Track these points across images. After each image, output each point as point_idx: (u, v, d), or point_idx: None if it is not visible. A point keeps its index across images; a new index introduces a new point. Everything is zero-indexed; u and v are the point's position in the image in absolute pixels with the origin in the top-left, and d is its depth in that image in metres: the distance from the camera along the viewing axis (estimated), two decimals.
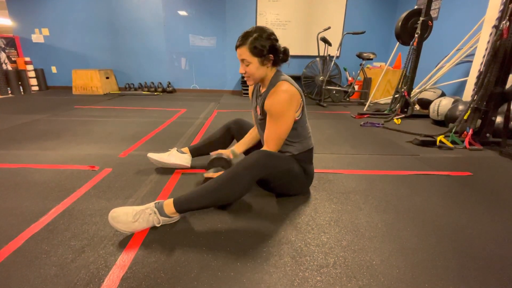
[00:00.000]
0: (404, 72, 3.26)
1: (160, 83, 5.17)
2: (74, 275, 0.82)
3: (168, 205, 1.03)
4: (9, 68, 4.55)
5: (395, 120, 3.07)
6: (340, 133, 2.57)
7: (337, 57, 5.13)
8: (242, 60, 1.12)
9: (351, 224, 1.13)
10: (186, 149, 1.59)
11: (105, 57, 5.03)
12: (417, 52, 3.11)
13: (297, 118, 1.18)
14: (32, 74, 4.80)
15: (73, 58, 4.98)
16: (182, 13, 4.85)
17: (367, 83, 4.57)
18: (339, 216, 1.18)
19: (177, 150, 1.58)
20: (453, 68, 3.52)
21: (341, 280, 0.83)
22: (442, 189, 1.47)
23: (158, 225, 1.04)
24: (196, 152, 1.59)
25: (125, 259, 0.89)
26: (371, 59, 4.00)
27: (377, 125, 2.87)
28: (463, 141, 2.25)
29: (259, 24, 4.93)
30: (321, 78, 4.11)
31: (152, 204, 1.04)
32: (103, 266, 0.86)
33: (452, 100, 2.91)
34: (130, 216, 0.99)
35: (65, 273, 0.82)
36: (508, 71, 2.16)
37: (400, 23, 3.16)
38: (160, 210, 1.03)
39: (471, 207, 1.30)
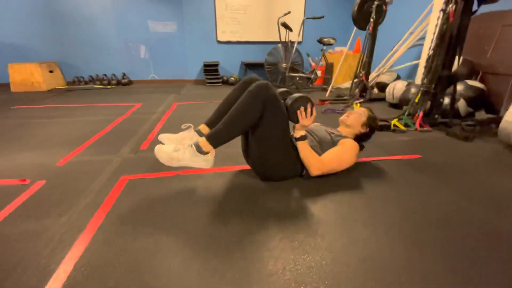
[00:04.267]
0: (362, 56, 3.31)
1: (114, 75, 4.77)
2: None
3: (203, 142, 1.18)
4: None
5: (354, 105, 3.13)
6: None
7: (299, 42, 5.09)
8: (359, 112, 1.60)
9: (304, 220, 1.11)
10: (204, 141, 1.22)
11: (47, 49, 4.48)
12: (373, 36, 3.16)
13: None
14: None
15: (9, 50, 4.35)
16: None
17: (329, 69, 4.61)
18: (291, 212, 1.16)
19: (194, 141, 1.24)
20: (407, 51, 3.66)
21: (290, 287, 0.80)
22: (394, 174, 1.51)
23: (194, 159, 1.17)
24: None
25: None
26: (331, 44, 4.01)
27: (337, 111, 2.90)
28: (415, 123, 2.35)
29: (218, 8, 4.67)
30: (284, 65, 4.05)
31: (189, 142, 1.20)
32: None
33: (406, 83, 3.03)
34: (171, 148, 1.16)
35: None
36: (454, 54, 2.26)
37: (356, 8, 3.16)
38: (197, 147, 1.17)
39: (419, 190, 1.35)
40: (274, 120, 1.23)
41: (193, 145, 1.18)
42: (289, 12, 3.86)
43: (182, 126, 1.38)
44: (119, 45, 4.67)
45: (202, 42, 4.87)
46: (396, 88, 3.05)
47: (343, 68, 4.56)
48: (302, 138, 1.33)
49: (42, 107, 3.10)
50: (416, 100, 2.40)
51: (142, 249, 0.94)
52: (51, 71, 4.37)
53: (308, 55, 5.05)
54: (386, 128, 2.31)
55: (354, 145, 1.45)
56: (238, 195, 1.29)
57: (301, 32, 4.87)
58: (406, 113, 2.41)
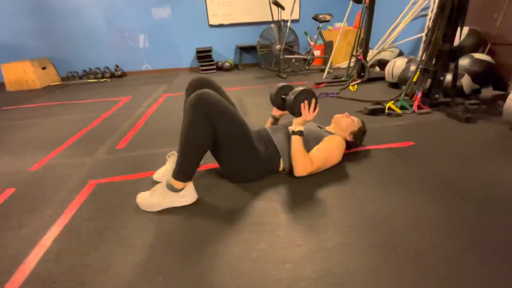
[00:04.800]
0: (359, 33, 3.07)
1: (107, 68, 4.69)
2: None
3: (173, 180, 1.12)
4: None
5: (350, 88, 2.94)
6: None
7: (296, 21, 4.81)
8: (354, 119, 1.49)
9: (268, 226, 1.03)
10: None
11: (38, 45, 4.41)
12: (370, 10, 2.89)
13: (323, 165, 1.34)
14: None
15: (1, 50, 4.33)
16: None
17: (328, 47, 4.34)
18: (257, 216, 1.08)
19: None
20: (410, 24, 3.36)
21: None
22: (379, 167, 1.39)
23: (173, 199, 1.13)
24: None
25: None
26: (328, 21, 3.74)
27: (331, 95, 2.73)
28: (412, 105, 2.17)
29: None
30: (277, 46, 3.84)
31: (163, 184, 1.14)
32: None
33: (406, 60, 2.79)
34: (147, 194, 1.14)
35: None
36: (456, 27, 2.03)
37: None
38: (169, 186, 1.12)
39: (405, 186, 1.23)
40: (227, 128, 1.12)
41: (166, 186, 1.12)
42: None
43: (167, 157, 1.38)
44: (109, 36, 4.54)
45: (194, 27, 4.67)
46: (396, 66, 2.82)
47: (342, 45, 4.29)
48: (299, 133, 1.24)
49: (32, 106, 3.09)
50: (414, 79, 2.20)
51: (91, 266, 0.89)
52: (44, 68, 4.33)
53: (306, 34, 4.77)
54: (381, 111, 2.15)
55: (342, 142, 1.37)
56: (205, 199, 1.21)
57: (294, 10, 4.59)
58: (403, 94, 2.22)
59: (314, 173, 1.31)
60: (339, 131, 1.46)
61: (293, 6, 3.60)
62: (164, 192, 1.12)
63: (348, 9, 3.48)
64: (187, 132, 1.06)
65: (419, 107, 2.17)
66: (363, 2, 2.90)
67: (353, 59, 3.24)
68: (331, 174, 1.34)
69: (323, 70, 4.10)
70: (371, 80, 3.17)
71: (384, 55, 3.50)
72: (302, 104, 1.23)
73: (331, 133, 1.40)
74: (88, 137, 2.03)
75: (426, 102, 2.20)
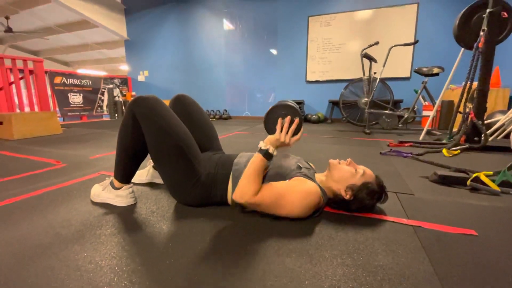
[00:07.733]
0: (467, 85, 2.30)
1: (219, 111, 5.71)
2: None
3: (113, 177, 1.15)
4: (120, 99, 6.21)
5: (444, 152, 2.13)
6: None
7: (406, 78, 4.25)
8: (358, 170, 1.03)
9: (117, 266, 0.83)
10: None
11: (181, 90, 6.09)
12: (486, 56, 2.15)
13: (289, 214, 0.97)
14: None
15: (161, 91, 6.29)
16: (239, 49, 5.35)
17: (445, 107, 3.48)
18: (150, 244, 0.90)
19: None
20: None
21: None
22: (395, 258, 0.88)
23: (107, 195, 1.15)
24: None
25: None
26: (436, 75, 3.06)
27: (404, 154, 2.08)
28: None
29: (310, 49, 4.76)
30: (364, 100, 3.45)
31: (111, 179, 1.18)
32: None
33: None
34: (99, 184, 1.21)
35: None
36: None
37: (458, 22, 2.32)
38: (111, 182, 1.16)
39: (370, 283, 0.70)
40: (152, 136, 1.02)
41: (110, 180, 1.16)
42: (377, 43, 3.36)
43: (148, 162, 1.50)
44: (224, 87, 5.65)
45: (291, 83, 5.04)
46: None
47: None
48: (265, 153, 0.95)
49: None
50: None
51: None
52: None
53: (416, 92, 4.07)
54: (459, 182, 1.41)
55: (313, 190, 0.96)
56: (139, 209, 1.16)
57: (405, 66, 4.10)
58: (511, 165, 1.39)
59: (259, 210, 0.98)
60: (332, 181, 1.04)
61: (386, 59, 3.22)
62: (107, 186, 1.16)
63: (457, 60, 2.68)
64: (119, 131, 1.08)
65: None
66: (475, 46, 2.21)
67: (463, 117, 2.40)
68: (295, 226, 0.96)
69: (430, 133, 3.27)
70: (486, 149, 2.19)
71: None
72: (279, 120, 0.98)
73: (310, 178, 1.02)
74: None
75: None
